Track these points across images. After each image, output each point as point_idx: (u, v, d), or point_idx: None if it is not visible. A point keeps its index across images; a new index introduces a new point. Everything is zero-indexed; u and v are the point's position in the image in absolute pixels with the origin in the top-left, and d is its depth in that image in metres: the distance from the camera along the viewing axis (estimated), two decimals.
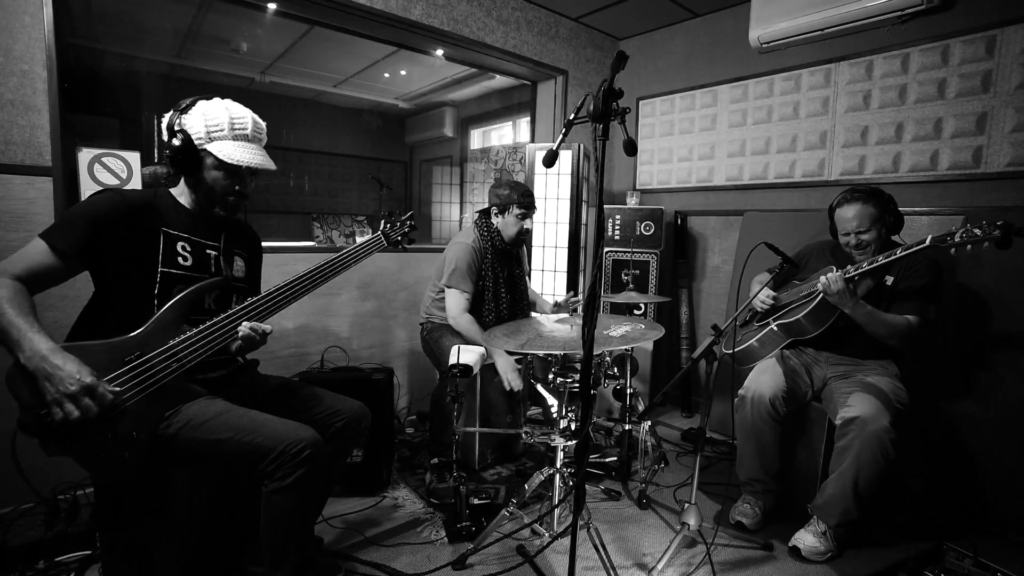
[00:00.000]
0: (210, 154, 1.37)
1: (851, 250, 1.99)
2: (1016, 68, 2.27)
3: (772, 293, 2.12)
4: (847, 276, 1.83)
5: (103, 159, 2.10)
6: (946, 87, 2.46)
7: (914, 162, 2.57)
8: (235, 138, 1.39)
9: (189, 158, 1.36)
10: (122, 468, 1.22)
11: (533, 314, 2.60)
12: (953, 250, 1.67)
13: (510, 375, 2.27)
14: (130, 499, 1.39)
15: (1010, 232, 1.58)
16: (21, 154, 1.92)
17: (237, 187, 1.44)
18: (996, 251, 1.63)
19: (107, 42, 4.01)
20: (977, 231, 1.62)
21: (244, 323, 1.37)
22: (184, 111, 1.37)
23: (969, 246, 1.64)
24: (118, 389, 1.19)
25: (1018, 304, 2.10)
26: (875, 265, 1.82)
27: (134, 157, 2.17)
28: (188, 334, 1.30)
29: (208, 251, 1.45)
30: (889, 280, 1.95)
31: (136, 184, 2.17)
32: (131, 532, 1.42)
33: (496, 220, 2.48)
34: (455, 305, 2.38)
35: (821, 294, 1.90)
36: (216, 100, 1.40)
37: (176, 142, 1.34)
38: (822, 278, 1.86)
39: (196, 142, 1.36)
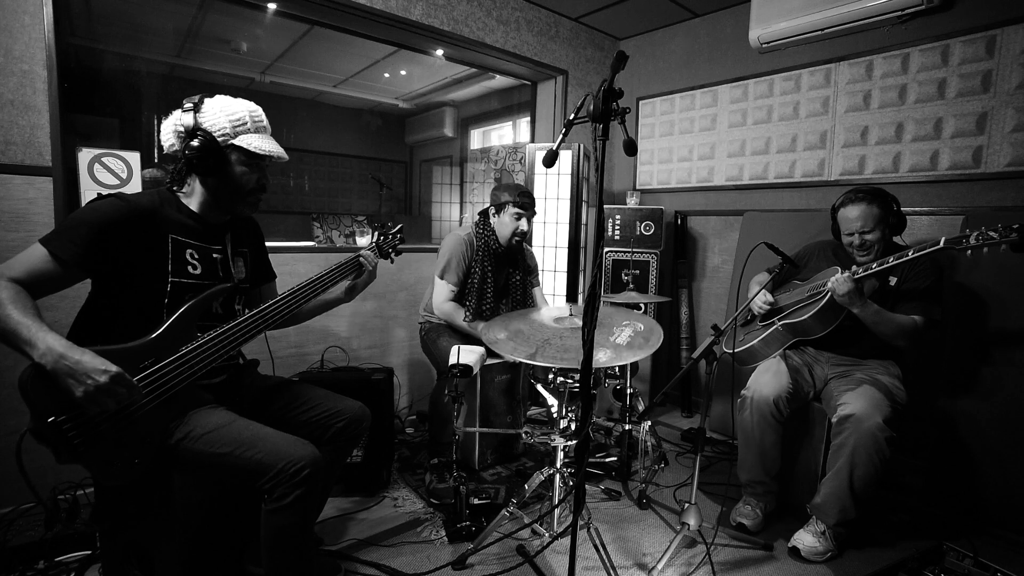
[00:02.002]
0: (237, 149, 1.35)
1: (854, 250, 1.98)
2: (1016, 68, 2.27)
3: (769, 298, 2.12)
4: (856, 277, 1.82)
5: (103, 159, 2.10)
6: (946, 87, 2.46)
7: (914, 162, 2.57)
8: (257, 131, 1.39)
9: (214, 157, 1.33)
10: (131, 474, 1.22)
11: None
12: (969, 252, 1.63)
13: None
14: (130, 500, 1.39)
15: None
16: (21, 154, 1.92)
17: (261, 181, 1.44)
18: (996, 251, 1.61)
19: (107, 42, 4.01)
20: (993, 234, 1.57)
21: (364, 251, 1.64)
22: (196, 110, 1.32)
23: (985, 249, 1.59)
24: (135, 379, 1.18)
25: (1018, 302, 2.10)
26: (886, 266, 1.80)
27: (134, 157, 2.17)
28: (200, 341, 1.30)
29: (214, 255, 1.43)
30: (893, 281, 1.95)
31: (136, 185, 2.17)
32: (131, 532, 1.42)
33: (493, 220, 2.48)
34: (440, 295, 2.42)
35: (829, 294, 1.89)
36: (224, 97, 1.38)
37: (196, 142, 1.30)
38: (831, 279, 1.85)
39: (220, 139, 1.33)
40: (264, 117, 1.42)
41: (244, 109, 1.37)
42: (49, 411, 1.10)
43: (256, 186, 1.43)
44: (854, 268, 1.87)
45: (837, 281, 1.83)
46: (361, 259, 1.65)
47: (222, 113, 1.34)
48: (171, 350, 1.26)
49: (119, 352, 1.19)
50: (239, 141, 1.35)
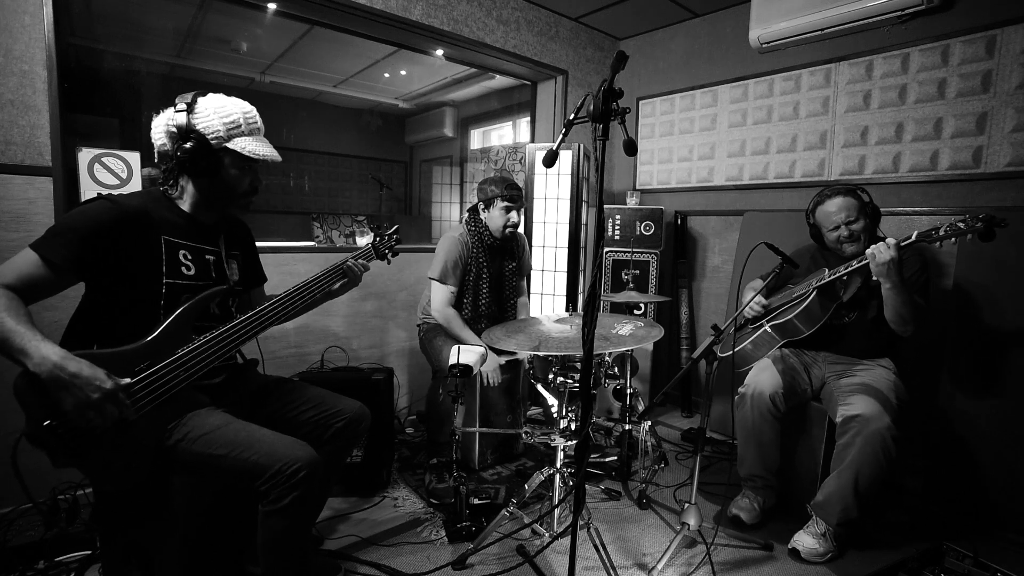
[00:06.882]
0: (230, 152, 1.33)
1: (842, 244, 1.99)
2: (1016, 68, 2.27)
3: (763, 301, 2.12)
4: (900, 243, 1.72)
5: (103, 159, 2.10)
6: (946, 87, 2.46)
7: (914, 162, 2.57)
8: (250, 132, 1.36)
9: (207, 159, 1.31)
10: (128, 478, 1.22)
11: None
12: (939, 244, 1.68)
13: (491, 373, 2.29)
14: (130, 501, 1.39)
15: (992, 224, 1.59)
16: (21, 154, 1.92)
17: (254, 183, 1.43)
18: (997, 248, 1.62)
19: (107, 42, 4.00)
20: (961, 224, 1.63)
21: (350, 260, 1.61)
22: (190, 110, 1.30)
23: (954, 239, 1.65)
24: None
25: (1017, 302, 2.10)
26: (933, 236, 1.68)
27: (134, 157, 2.17)
28: (196, 343, 1.29)
29: (207, 256, 1.42)
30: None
31: (136, 185, 2.17)
32: (131, 532, 1.42)
33: (483, 215, 2.48)
34: (438, 298, 2.40)
35: (815, 292, 1.91)
36: (217, 95, 1.36)
37: (189, 145, 1.28)
38: (871, 247, 1.76)
39: (213, 142, 1.31)
40: (258, 117, 1.40)
41: (238, 110, 1.35)
42: (44, 415, 1.09)
43: (248, 188, 1.42)
44: (897, 236, 1.76)
45: (879, 248, 1.72)
46: (347, 267, 1.63)
47: (216, 115, 1.31)
48: (167, 352, 1.25)
49: (113, 356, 1.18)
50: (233, 144, 1.33)
